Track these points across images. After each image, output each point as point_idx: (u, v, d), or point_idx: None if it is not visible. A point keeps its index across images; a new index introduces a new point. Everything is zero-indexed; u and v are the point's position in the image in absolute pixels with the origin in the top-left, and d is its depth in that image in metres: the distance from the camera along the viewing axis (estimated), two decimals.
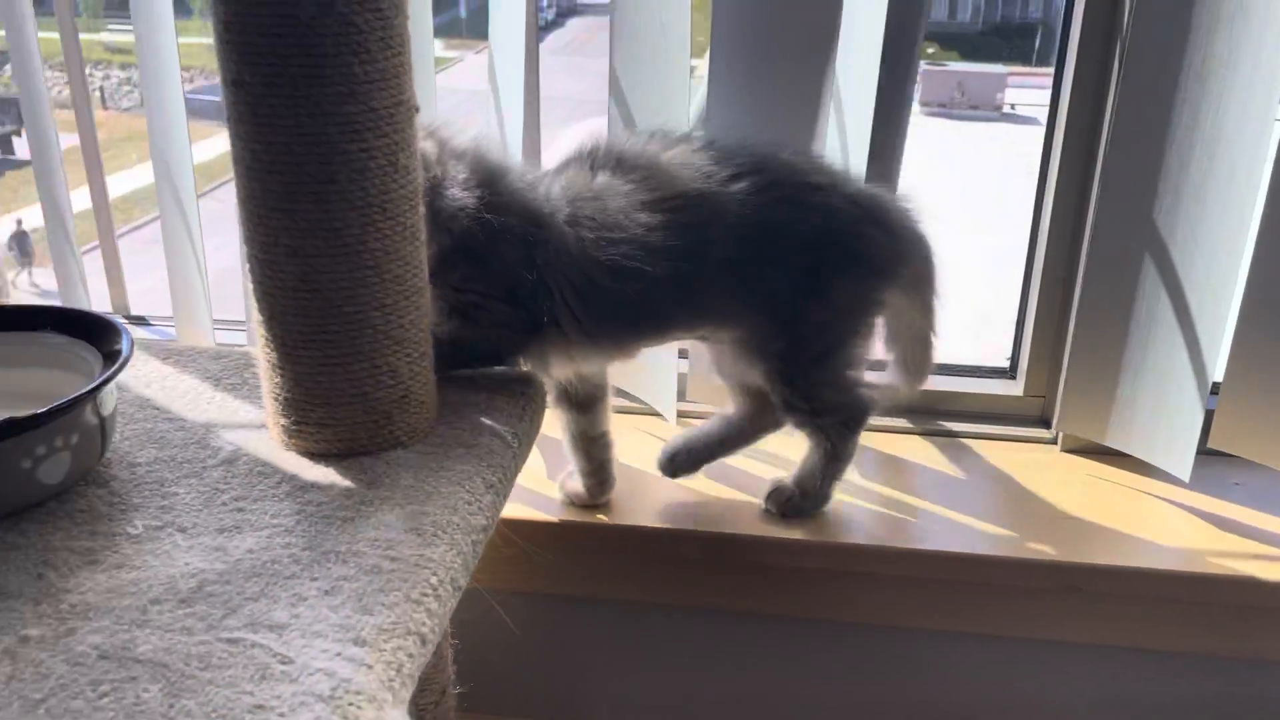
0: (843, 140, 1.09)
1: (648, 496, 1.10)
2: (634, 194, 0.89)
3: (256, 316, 0.80)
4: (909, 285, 0.99)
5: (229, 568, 0.68)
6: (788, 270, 0.92)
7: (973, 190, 4.37)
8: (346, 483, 0.78)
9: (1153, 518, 1.08)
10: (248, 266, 0.78)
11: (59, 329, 0.81)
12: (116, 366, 0.75)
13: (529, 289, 0.89)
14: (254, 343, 0.95)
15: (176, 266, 1.26)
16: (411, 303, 0.81)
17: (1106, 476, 1.16)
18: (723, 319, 0.97)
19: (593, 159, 0.92)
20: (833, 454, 1.01)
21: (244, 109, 0.72)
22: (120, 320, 0.80)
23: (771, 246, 0.91)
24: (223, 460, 0.81)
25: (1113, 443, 1.14)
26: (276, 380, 0.80)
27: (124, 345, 0.78)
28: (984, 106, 5.34)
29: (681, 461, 1.08)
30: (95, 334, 0.80)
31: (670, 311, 0.94)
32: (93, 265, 1.35)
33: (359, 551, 0.70)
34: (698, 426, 1.09)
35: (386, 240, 0.77)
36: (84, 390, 0.73)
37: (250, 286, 0.79)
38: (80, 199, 1.30)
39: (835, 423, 0.99)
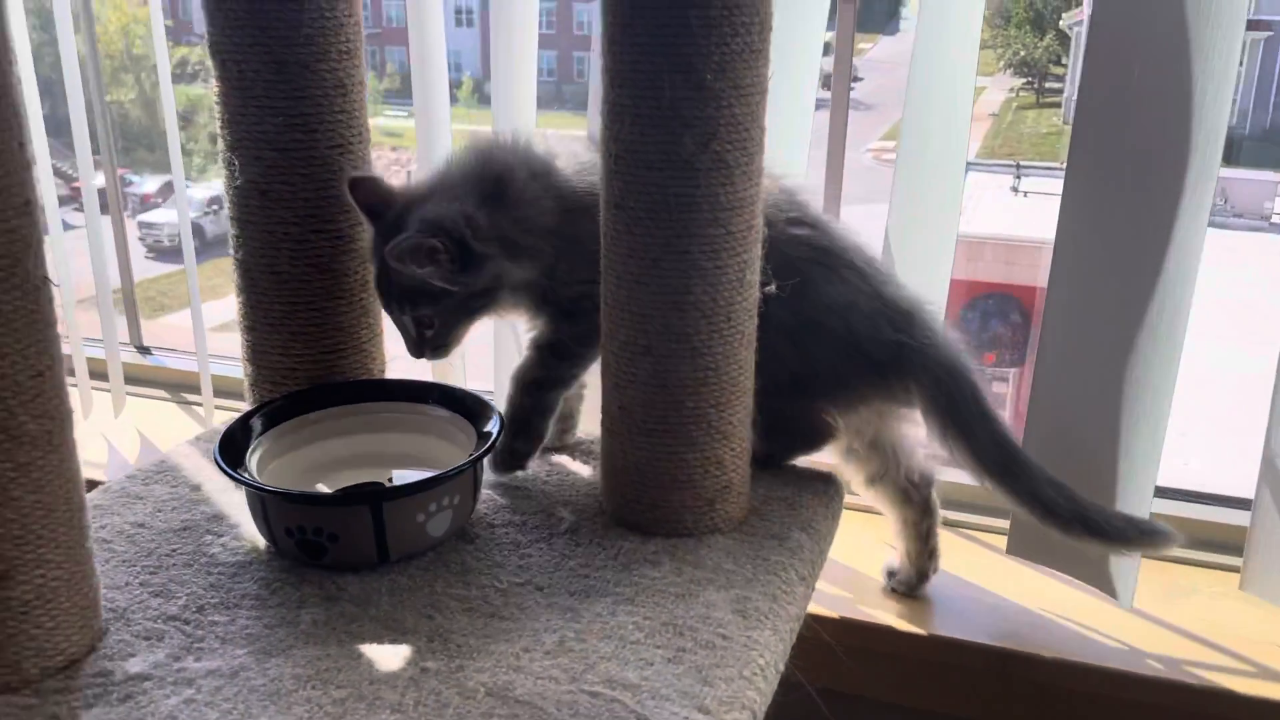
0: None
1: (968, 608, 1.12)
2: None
3: (604, 406, 0.90)
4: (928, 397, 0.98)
5: (583, 627, 0.77)
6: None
7: (1243, 302, 4.09)
8: (674, 562, 0.86)
9: None
10: (603, 360, 0.89)
11: (443, 404, 0.95)
12: (492, 442, 0.88)
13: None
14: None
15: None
16: (741, 402, 0.89)
17: None
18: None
19: None
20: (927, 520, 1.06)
21: (621, 228, 0.83)
22: (491, 404, 0.92)
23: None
24: (566, 529, 0.91)
25: None
26: (618, 463, 0.90)
27: (494, 425, 0.90)
28: (1250, 215, 5.01)
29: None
30: (472, 411, 0.93)
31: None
32: None
33: (693, 627, 0.77)
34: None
35: (728, 345, 0.86)
36: (470, 459, 0.85)
37: (602, 380, 0.90)
38: None
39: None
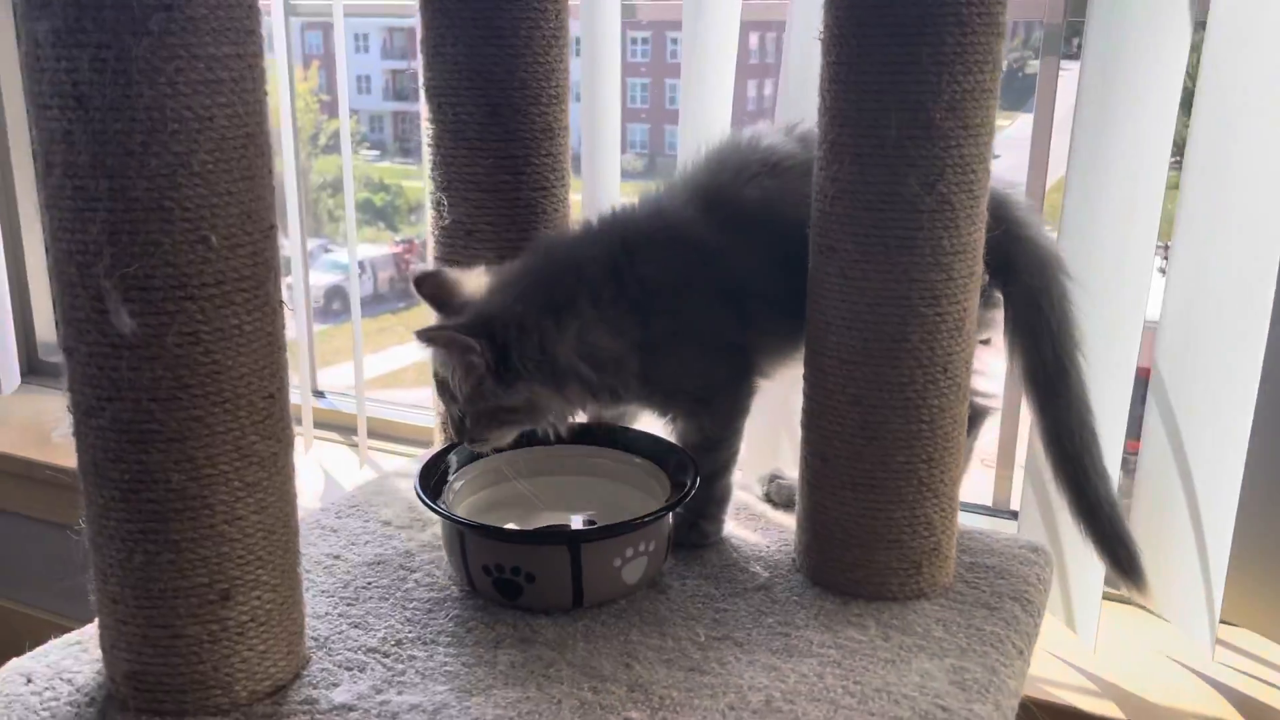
0: None
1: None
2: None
3: (805, 457, 0.87)
4: None
5: (790, 688, 0.73)
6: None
7: None
8: (880, 626, 0.81)
9: None
10: (806, 409, 0.86)
11: (638, 452, 0.93)
12: (687, 491, 0.85)
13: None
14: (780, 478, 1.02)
15: None
16: (953, 460, 0.84)
17: None
18: None
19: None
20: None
21: (834, 271, 0.81)
22: (686, 453, 0.90)
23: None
24: (760, 585, 0.87)
25: None
26: (818, 518, 0.86)
27: (690, 478, 0.87)
28: None
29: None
30: (668, 461, 0.90)
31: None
32: None
33: (909, 695, 0.72)
34: None
35: (944, 398, 0.81)
36: (667, 506, 0.83)
37: (803, 429, 0.87)
38: None
39: None
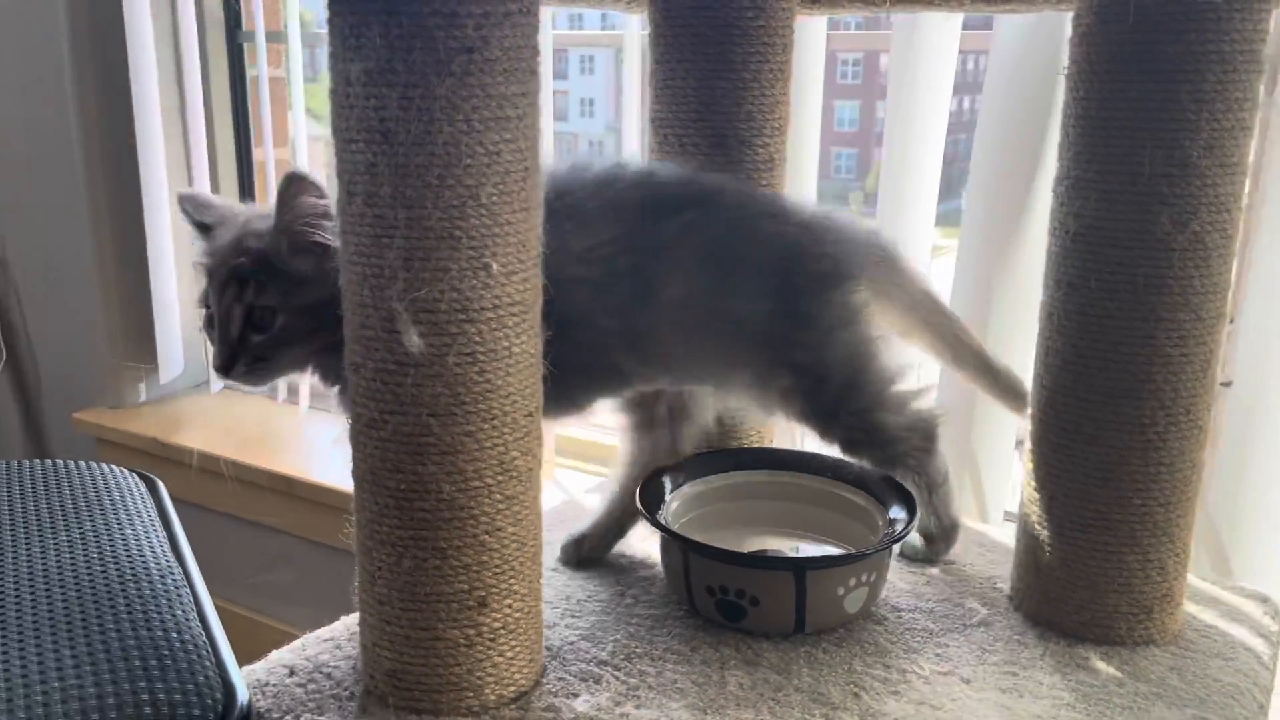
0: None
1: None
2: (571, 239, 0.82)
3: (1028, 494, 0.86)
4: (882, 285, 0.93)
5: None
6: (756, 302, 0.86)
7: None
8: (1111, 669, 0.80)
9: None
10: (1035, 446, 0.85)
11: (851, 482, 0.93)
12: (909, 524, 0.85)
13: None
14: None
15: None
16: (1190, 504, 0.82)
17: None
18: (694, 366, 0.90)
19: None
20: (929, 484, 0.92)
21: (1073, 309, 0.80)
22: (904, 485, 0.90)
23: (731, 283, 0.86)
24: (979, 622, 0.87)
25: None
26: (1042, 558, 0.85)
27: (905, 511, 0.87)
28: None
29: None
30: (882, 492, 0.91)
31: (623, 365, 0.87)
32: None
33: None
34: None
35: (1185, 441, 0.79)
36: (893, 537, 0.83)
37: (1029, 465, 0.86)
38: None
39: (911, 449, 0.91)
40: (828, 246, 0.89)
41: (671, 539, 0.85)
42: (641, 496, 0.90)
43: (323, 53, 1.70)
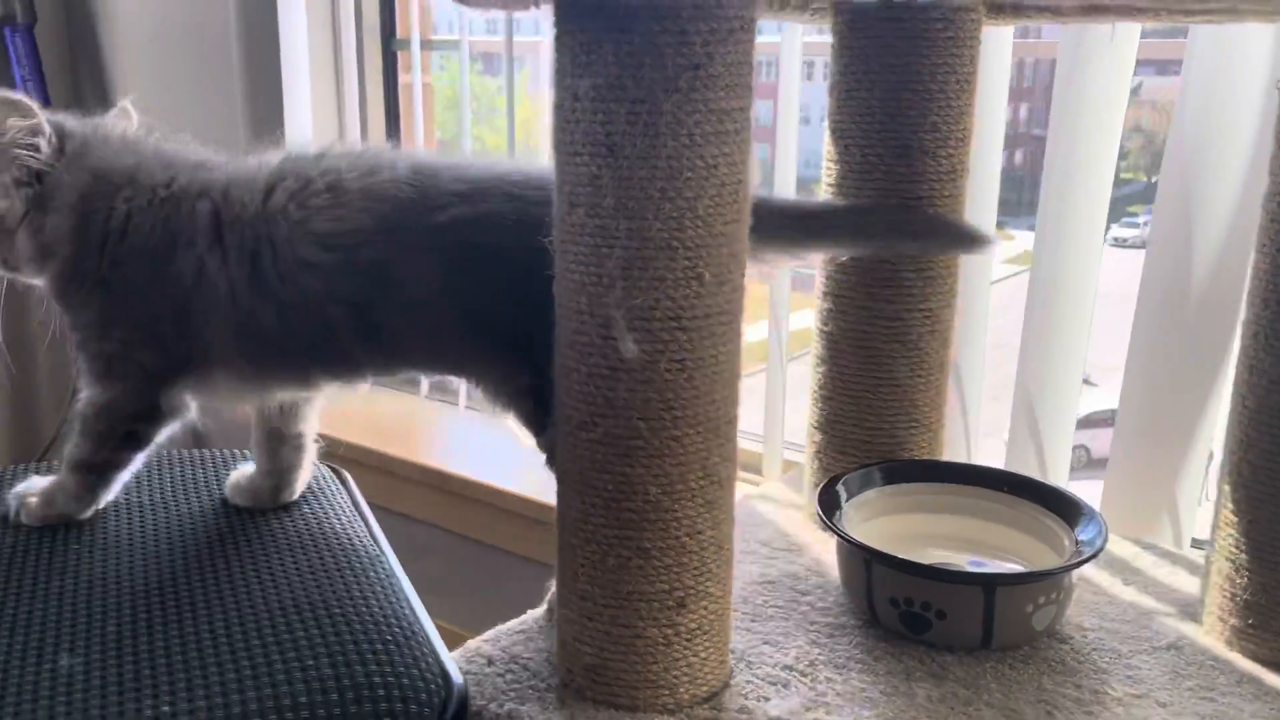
0: None
1: None
2: (307, 223, 0.79)
3: (1224, 519, 0.84)
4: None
5: None
6: (500, 298, 0.79)
7: None
8: None
9: None
10: (1232, 469, 0.83)
11: (1031, 497, 0.92)
12: (1098, 549, 0.84)
13: (172, 322, 0.82)
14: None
15: None
16: None
17: None
18: (429, 359, 0.87)
19: (275, 177, 0.82)
20: None
21: None
22: (1089, 505, 0.89)
23: (479, 275, 0.79)
24: (1168, 645, 0.85)
25: None
26: (1239, 581, 0.83)
27: (1093, 531, 0.86)
28: None
29: None
30: (1065, 510, 0.89)
31: (355, 352, 0.83)
32: None
33: None
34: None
35: None
36: (1083, 557, 0.82)
37: (1224, 489, 0.84)
38: None
39: None
40: None
41: (855, 549, 0.85)
42: (820, 503, 0.91)
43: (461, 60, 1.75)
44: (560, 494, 0.76)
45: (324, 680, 0.64)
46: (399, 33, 1.95)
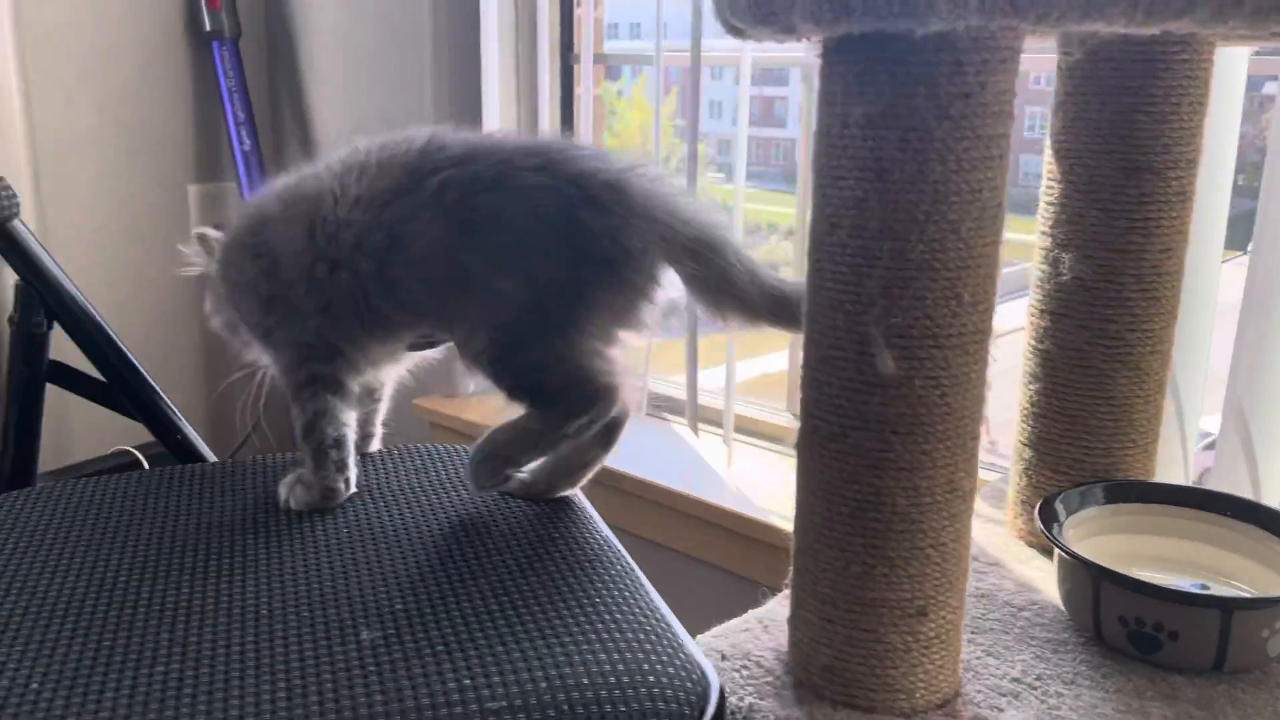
0: None
1: None
2: (348, 191, 0.90)
3: None
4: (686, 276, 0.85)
5: None
6: (483, 257, 0.85)
7: None
8: None
9: None
10: None
11: (1257, 522, 0.92)
12: None
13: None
14: None
15: None
16: None
17: None
18: (432, 316, 0.93)
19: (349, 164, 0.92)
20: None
21: None
22: None
23: (468, 236, 0.85)
24: None
25: None
26: None
27: None
28: None
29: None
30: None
31: (384, 309, 0.91)
32: None
33: None
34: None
35: None
36: None
37: None
38: None
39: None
40: (591, 213, 0.84)
41: (1081, 566, 0.86)
42: (1040, 519, 0.92)
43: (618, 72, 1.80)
44: (801, 500, 0.79)
45: (600, 664, 0.69)
46: (575, 46, 2.03)
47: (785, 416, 1.76)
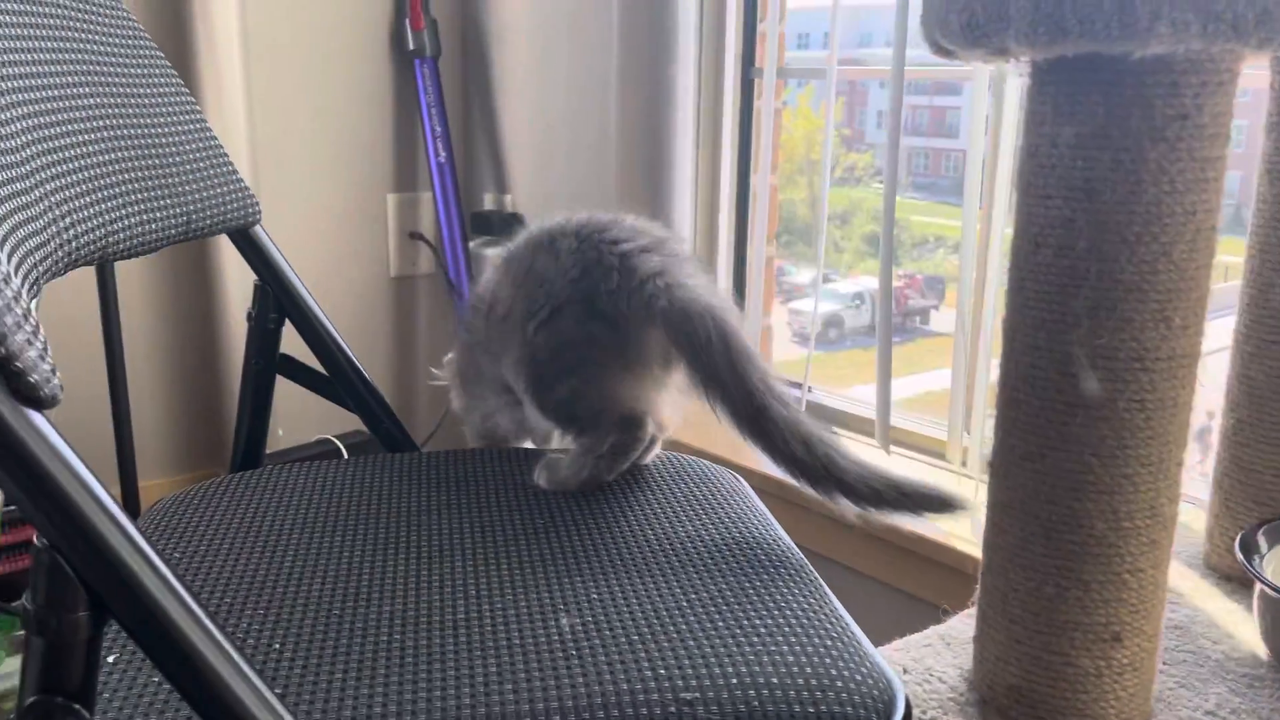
0: None
1: None
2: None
3: None
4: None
5: None
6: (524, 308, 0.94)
7: None
8: None
9: None
10: None
11: None
12: None
13: None
14: None
15: None
16: None
17: None
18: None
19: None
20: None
21: None
22: None
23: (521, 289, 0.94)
24: None
25: None
26: None
27: None
28: None
29: None
30: None
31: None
32: None
33: None
34: None
35: None
36: None
37: None
38: None
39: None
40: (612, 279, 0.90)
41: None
42: (1241, 551, 0.89)
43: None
44: (994, 520, 0.79)
45: (789, 665, 0.71)
46: (756, 61, 2.06)
47: (944, 430, 1.73)
